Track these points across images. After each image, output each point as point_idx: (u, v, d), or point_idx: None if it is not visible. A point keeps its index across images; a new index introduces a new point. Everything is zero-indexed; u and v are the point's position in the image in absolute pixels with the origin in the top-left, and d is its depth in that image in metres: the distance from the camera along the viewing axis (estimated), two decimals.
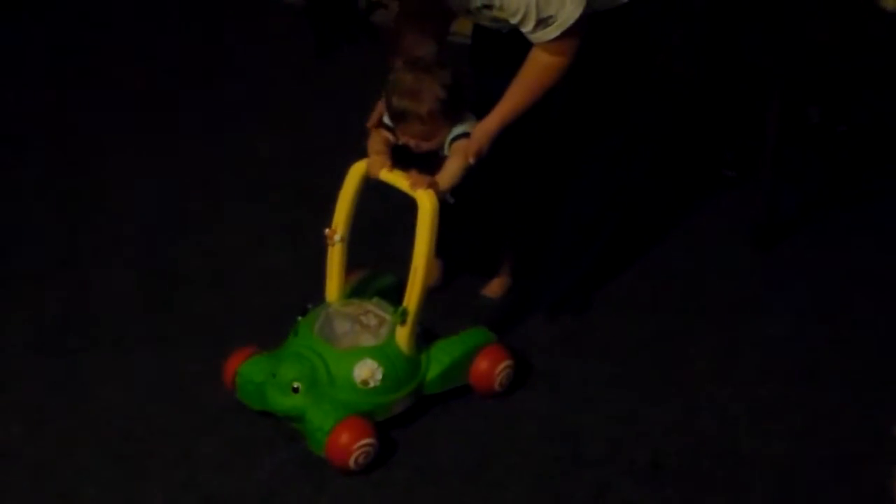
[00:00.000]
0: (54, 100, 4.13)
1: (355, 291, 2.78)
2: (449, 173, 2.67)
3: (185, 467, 2.62)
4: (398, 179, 2.65)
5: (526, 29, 2.61)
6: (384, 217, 3.18)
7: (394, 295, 2.74)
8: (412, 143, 2.71)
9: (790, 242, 3.40)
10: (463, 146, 2.68)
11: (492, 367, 2.74)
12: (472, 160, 2.67)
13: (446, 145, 2.71)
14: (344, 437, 2.52)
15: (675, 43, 3.33)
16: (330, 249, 2.73)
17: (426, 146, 2.71)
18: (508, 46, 2.71)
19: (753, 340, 3.04)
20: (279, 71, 4.31)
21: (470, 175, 2.70)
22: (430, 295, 2.74)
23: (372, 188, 2.73)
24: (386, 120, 2.74)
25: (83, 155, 3.82)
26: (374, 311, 2.71)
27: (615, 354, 2.98)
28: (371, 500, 2.57)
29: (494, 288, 3.11)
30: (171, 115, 4.03)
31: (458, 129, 2.71)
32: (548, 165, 3.01)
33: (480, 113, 2.71)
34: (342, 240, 2.71)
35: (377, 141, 2.74)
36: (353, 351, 2.64)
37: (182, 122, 3.99)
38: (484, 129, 2.69)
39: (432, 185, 2.61)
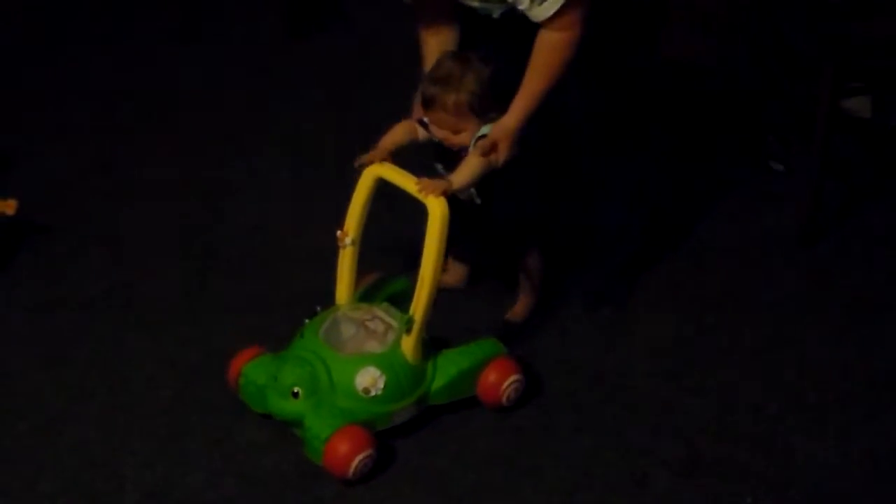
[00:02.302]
0: (95, 67, 4.20)
1: (366, 295, 2.74)
2: (463, 172, 2.61)
3: (224, 447, 2.64)
4: (407, 182, 2.59)
5: (523, 6, 2.53)
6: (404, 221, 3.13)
7: (406, 299, 2.67)
8: (441, 134, 2.65)
9: (835, 239, 3.35)
10: (479, 145, 2.62)
11: (500, 381, 2.68)
12: (494, 159, 2.61)
13: (471, 144, 2.66)
14: (343, 448, 2.48)
15: None
16: (341, 252, 2.69)
17: (456, 140, 2.65)
18: (497, 32, 2.65)
19: (795, 337, 3.00)
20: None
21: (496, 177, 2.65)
22: (448, 297, 2.71)
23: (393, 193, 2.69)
24: (422, 116, 2.70)
25: (126, 125, 3.88)
26: (381, 316, 2.67)
27: (655, 348, 2.95)
28: (409, 487, 2.55)
29: (517, 310, 3.00)
30: (217, 91, 4.07)
31: (484, 129, 2.65)
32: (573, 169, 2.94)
33: None
34: (353, 242, 2.67)
35: (391, 136, 2.68)
36: (357, 358, 2.60)
37: (226, 96, 4.02)
38: (503, 126, 2.62)
39: (445, 185, 2.55)
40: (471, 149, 2.66)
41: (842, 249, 3.32)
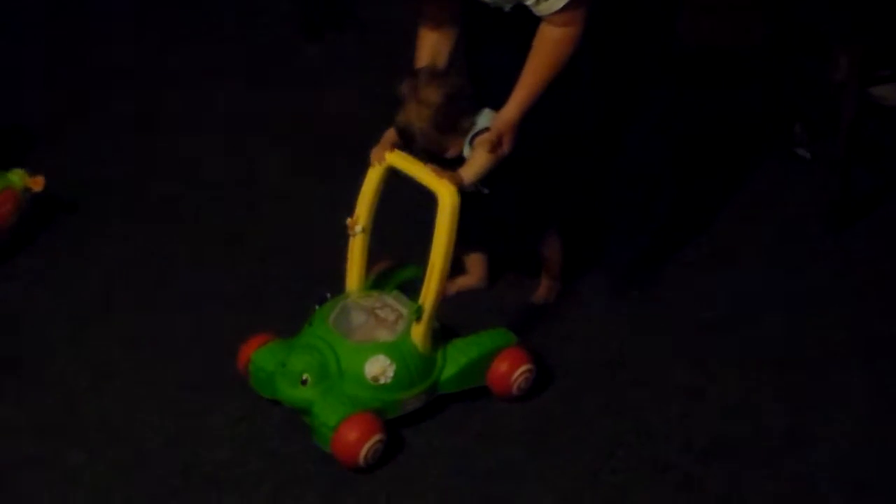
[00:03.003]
0: (123, 45, 4.22)
1: (377, 283, 2.73)
2: (472, 167, 2.60)
3: (249, 424, 2.65)
4: (419, 171, 2.57)
5: (529, 1, 2.50)
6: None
7: (417, 287, 2.65)
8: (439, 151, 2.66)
9: (863, 224, 3.31)
10: (484, 138, 2.60)
11: (510, 371, 2.65)
12: (499, 151, 2.59)
13: (466, 146, 2.65)
14: (351, 436, 2.47)
15: None
16: (351, 240, 2.68)
17: (453, 154, 2.65)
18: (506, 24, 2.62)
19: (822, 323, 2.98)
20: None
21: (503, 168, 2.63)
22: (469, 295, 2.74)
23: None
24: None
25: (154, 103, 3.89)
26: (392, 304, 2.65)
27: (680, 333, 2.94)
28: (433, 465, 2.56)
29: (540, 293, 2.99)
30: (238, 76, 4.05)
31: (480, 124, 2.63)
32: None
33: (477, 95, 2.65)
34: (364, 230, 2.66)
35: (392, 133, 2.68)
36: (366, 346, 2.58)
37: (249, 85, 4.01)
38: (503, 118, 2.61)
39: (456, 179, 2.54)
40: (466, 149, 2.65)
41: (869, 236, 3.28)
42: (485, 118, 2.65)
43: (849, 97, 3.17)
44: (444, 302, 2.66)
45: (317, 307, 2.66)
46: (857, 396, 2.75)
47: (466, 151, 2.66)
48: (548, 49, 2.55)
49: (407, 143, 2.66)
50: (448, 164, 2.64)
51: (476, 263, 3.01)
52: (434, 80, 2.62)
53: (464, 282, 2.99)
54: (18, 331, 2.93)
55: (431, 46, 2.70)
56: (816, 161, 3.51)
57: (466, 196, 2.56)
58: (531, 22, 2.55)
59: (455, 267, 2.83)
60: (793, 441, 2.64)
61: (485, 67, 2.74)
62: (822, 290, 3.09)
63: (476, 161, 2.61)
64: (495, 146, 2.60)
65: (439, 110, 2.59)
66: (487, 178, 2.66)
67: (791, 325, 2.97)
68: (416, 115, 2.60)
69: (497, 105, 2.64)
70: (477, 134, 2.63)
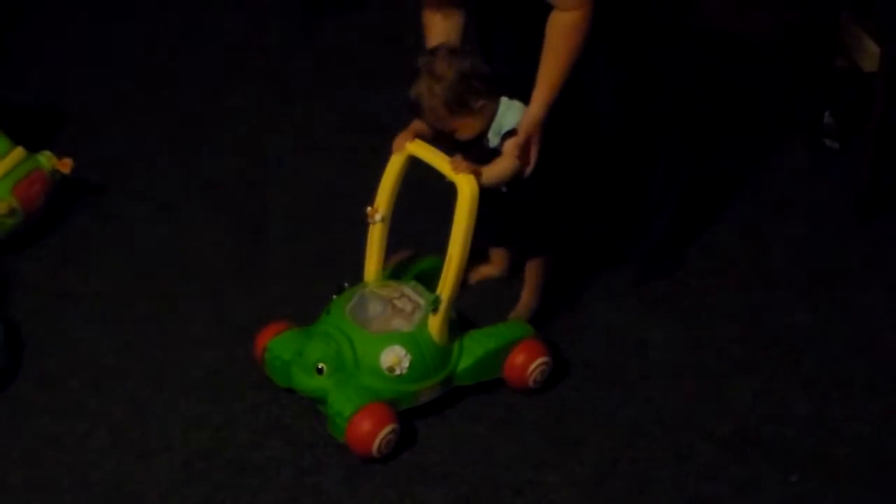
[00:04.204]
0: (151, 28, 4.22)
1: (395, 273, 2.73)
2: (495, 170, 2.59)
3: (271, 408, 2.67)
4: (439, 161, 2.56)
5: None
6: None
7: (435, 278, 2.65)
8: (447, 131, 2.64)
9: (892, 215, 3.27)
10: (513, 143, 2.59)
11: (527, 363, 2.65)
12: (527, 155, 2.59)
13: (491, 137, 2.62)
14: (365, 426, 2.48)
15: None
16: (370, 228, 2.67)
17: (463, 136, 2.62)
18: (514, 9, 2.61)
19: (847, 313, 2.96)
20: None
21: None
22: (490, 284, 2.72)
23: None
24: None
25: (181, 87, 3.89)
26: (409, 295, 2.65)
27: (704, 321, 2.92)
28: (451, 454, 2.57)
29: (519, 310, 2.89)
30: (263, 59, 4.05)
31: (509, 121, 2.61)
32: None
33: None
34: (383, 219, 2.66)
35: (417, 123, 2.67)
36: (383, 336, 2.58)
37: (272, 65, 4.01)
38: (530, 118, 2.58)
39: (476, 174, 2.53)
40: (492, 142, 2.63)
41: None
42: (514, 113, 2.61)
43: (879, 87, 3.12)
44: (462, 292, 2.66)
45: (334, 296, 2.66)
46: (884, 386, 2.73)
47: (494, 142, 2.63)
48: (561, 37, 2.53)
49: (417, 117, 2.64)
50: (465, 147, 2.63)
51: (499, 253, 2.99)
52: (449, 57, 2.58)
53: (486, 271, 2.98)
54: (44, 312, 2.96)
55: (440, 30, 2.67)
56: (845, 151, 3.47)
57: (485, 193, 2.55)
58: (539, 6, 2.53)
59: (477, 256, 2.84)
60: (817, 430, 2.62)
61: (494, 53, 2.71)
62: (850, 279, 3.06)
63: (501, 164, 2.59)
64: (525, 151, 2.59)
65: (450, 87, 2.55)
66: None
67: (817, 315, 2.95)
68: (426, 89, 2.56)
69: (508, 91, 2.62)
70: (507, 134, 2.60)
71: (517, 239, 2.88)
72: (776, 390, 2.73)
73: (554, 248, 2.87)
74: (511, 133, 2.60)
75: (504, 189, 2.63)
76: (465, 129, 2.61)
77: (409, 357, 2.55)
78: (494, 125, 2.61)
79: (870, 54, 3.30)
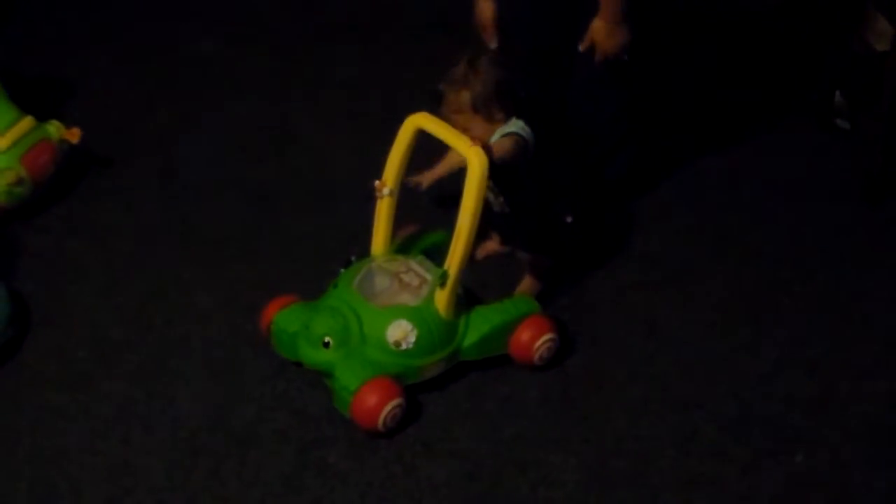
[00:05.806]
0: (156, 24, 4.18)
1: (403, 247, 2.72)
2: (506, 144, 2.60)
3: (277, 381, 2.67)
4: (448, 134, 2.55)
5: None
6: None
7: (443, 253, 2.64)
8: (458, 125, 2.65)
9: None
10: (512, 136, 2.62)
11: (532, 340, 2.64)
12: (521, 142, 2.61)
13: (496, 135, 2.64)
14: (371, 400, 2.48)
15: None
16: (378, 202, 2.66)
17: (469, 135, 2.61)
18: None
19: (854, 297, 2.95)
20: None
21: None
22: (497, 260, 2.72)
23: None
24: None
25: (191, 58, 3.88)
26: (416, 269, 2.64)
27: (712, 302, 2.92)
28: (459, 430, 2.57)
29: (523, 288, 2.88)
30: (272, 36, 4.03)
31: (496, 136, 2.62)
32: None
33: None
34: (391, 193, 2.64)
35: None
36: (389, 310, 2.58)
37: (282, 43, 3.99)
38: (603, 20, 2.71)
39: (484, 145, 2.52)
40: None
41: None
42: (513, 126, 2.63)
43: (892, 67, 3.10)
44: (470, 268, 2.66)
45: (342, 270, 2.66)
46: (889, 367, 2.73)
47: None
48: None
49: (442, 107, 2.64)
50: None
51: None
52: (496, 63, 2.61)
53: (492, 246, 2.97)
54: (52, 281, 2.96)
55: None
56: (856, 132, 3.45)
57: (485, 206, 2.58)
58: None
59: (484, 231, 2.83)
60: (822, 411, 2.62)
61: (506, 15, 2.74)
62: (859, 261, 3.06)
63: (503, 143, 2.60)
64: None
65: (484, 88, 2.58)
66: (510, 195, 2.68)
67: (825, 296, 2.94)
68: (462, 77, 2.59)
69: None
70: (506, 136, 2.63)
71: (518, 242, 2.88)
72: (783, 370, 2.73)
73: (555, 251, 2.87)
74: (510, 134, 2.62)
75: (507, 210, 2.67)
76: (474, 130, 2.62)
77: (415, 331, 2.55)
78: (496, 135, 2.64)
79: (884, 34, 3.27)
